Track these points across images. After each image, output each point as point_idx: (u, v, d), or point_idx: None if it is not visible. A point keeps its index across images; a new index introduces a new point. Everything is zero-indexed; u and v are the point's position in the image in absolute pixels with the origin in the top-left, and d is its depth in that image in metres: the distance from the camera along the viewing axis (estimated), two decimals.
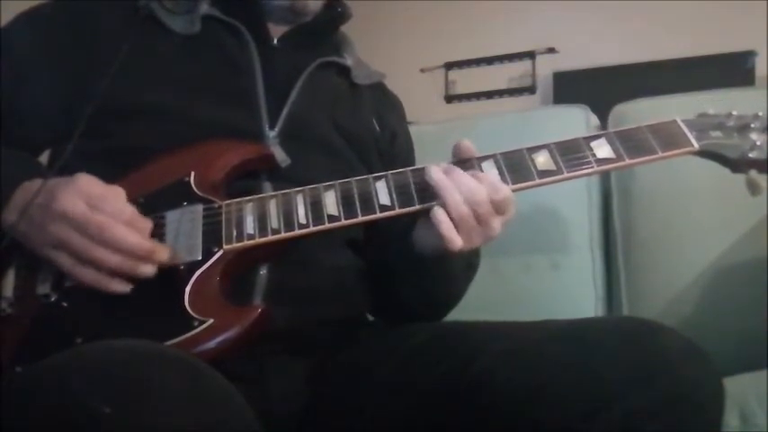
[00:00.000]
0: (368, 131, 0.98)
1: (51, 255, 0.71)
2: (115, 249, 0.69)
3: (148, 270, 0.71)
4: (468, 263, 0.89)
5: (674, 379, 0.61)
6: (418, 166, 0.79)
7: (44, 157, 0.93)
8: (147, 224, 0.73)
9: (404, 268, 0.88)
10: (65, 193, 0.70)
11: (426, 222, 0.77)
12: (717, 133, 0.79)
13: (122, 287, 0.71)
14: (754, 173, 0.77)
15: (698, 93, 1.30)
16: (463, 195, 0.74)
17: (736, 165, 0.78)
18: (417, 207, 0.76)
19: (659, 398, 0.60)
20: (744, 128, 0.78)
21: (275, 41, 0.92)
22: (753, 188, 0.77)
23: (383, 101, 1.05)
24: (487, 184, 0.75)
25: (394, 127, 1.04)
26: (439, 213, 0.74)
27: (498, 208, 0.75)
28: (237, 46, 0.89)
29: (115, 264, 0.70)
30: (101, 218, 0.69)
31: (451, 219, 0.74)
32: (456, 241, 0.74)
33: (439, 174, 0.75)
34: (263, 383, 0.80)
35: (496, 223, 0.75)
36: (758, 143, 0.77)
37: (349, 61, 0.98)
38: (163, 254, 0.72)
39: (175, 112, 0.84)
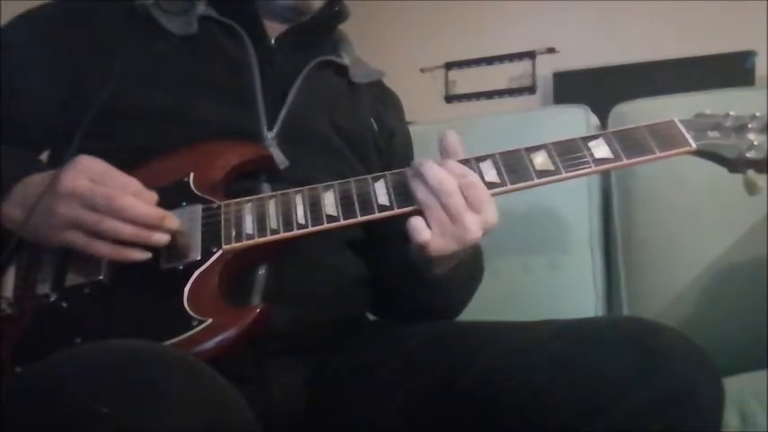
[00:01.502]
0: (366, 131, 0.98)
1: (64, 237, 0.71)
2: (126, 219, 0.69)
3: (162, 238, 0.71)
4: (468, 272, 0.88)
5: (674, 379, 0.61)
6: None
7: (42, 158, 0.93)
8: (153, 195, 0.73)
9: (401, 276, 0.87)
10: (68, 174, 0.70)
11: None
12: (714, 133, 0.79)
13: (141, 255, 0.71)
14: (751, 172, 0.77)
15: (698, 93, 1.30)
16: (430, 187, 0.72)
17: (734, 165, 0.79)
18: (416, 207, 0.76)
19: (659, 398, 0.60)
20: (741, 128, 0.78)
21: (273, 41, 0.92)
22: (750, 188, 0.77)
23: (382, 99, 1.05)
24: (456, 173, 0.73)
25: (392, 126, 1.04)
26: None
27: (471, 201, 0.73)
28: (235, 46, 0.89)
29: (128, 234, 0.70)
30: (106, 189, 0.69)
31: (423, 214, 0.73)
32: (423, 232, 0.72)
33: (408, 171, 0.75)
34: (262, 383, 0.80)
35: (471, 221, 0.72)
36: (756, 143, 0.77)
37: (347, 60, 0.98)
38: (172, 221, 0.72)
39: (174, 112, 0.84)
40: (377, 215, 0.75)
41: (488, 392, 0.68)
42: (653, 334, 0.65)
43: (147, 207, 0.71)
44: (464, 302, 0.93)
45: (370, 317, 0.96)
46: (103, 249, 0.71)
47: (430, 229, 0.72)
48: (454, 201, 0.72)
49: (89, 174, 0.70)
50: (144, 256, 0.71)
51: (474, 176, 0.74)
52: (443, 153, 0.77)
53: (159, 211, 0.71)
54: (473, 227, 0.72)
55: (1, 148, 0.81)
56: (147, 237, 0.70)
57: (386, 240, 0.91)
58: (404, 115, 1.10)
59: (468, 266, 0.86)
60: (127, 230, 0.70)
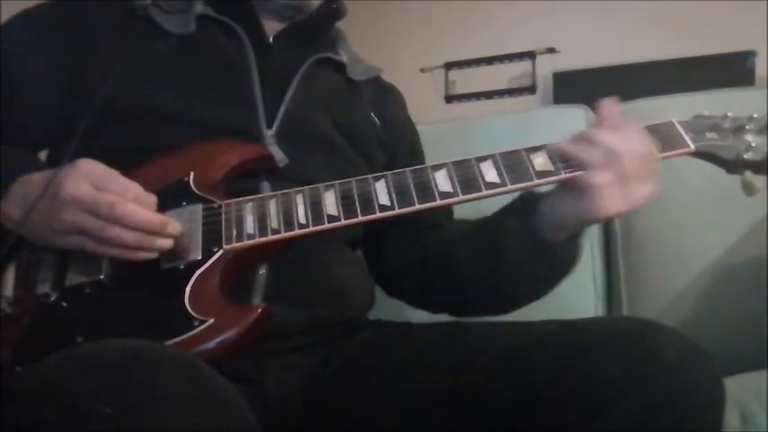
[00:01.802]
0: (367, 127, 0.98)
1: (71, 241, 0.71)
2: (129, 226, 0.70)
3: (165, 244, 0.72)
4: (576, 248, 0.85)
5: (674, 379, 0.61)
6: (417, 166, 0.79)
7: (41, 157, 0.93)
8: (153, 199, 0.73)
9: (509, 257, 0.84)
10: (69, 178, 0.70)
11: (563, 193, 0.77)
12: (712, 134, 0.79)
13: (148, 254, 0.72)
14: (749, 174, 0.78)
15: (698, 93, 1.30)
16: (604, 148, 0.73)
17: (732, 166, 0.79)
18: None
19: (659, 398, 0.60)
20: (739, 129, 0.79)
21: (270, 39, 0.91)
22: (748, 189, 0.78)
23: (381, 94, 1.05)
24: (630, 140, 0.74)
25: (394, 116, 1.04)
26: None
27: (643, 169, 0.73)
28: (233, 45, 0.89)
29: (132, 240, 0.70)
30: (108, 196, 0.70)
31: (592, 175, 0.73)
32: (599, 175, 0.72)
33: (565, 143, 0.76)
34: (262, 383, 0.80)
35: (641, 186, 0.73)
36: (753, 144, 0.78)
37: (344, 57, 0.98)
38: (175, 226, 0.72)
39: (173, 112, 0.84)
40: (378, 215, 0.75)
41: (488, 393, 0.69)
42: (653, 334, 0.65)
43: (149, 214, 0.71)
44: (545, 286, 0.88)
45: (370, 317, 0.96)
46: (111, 252, 0.71)
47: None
48: (627, 163, 0.72)
49: (90, 178, 0.70)
50: (151, 255, 0.72)
51: (647, 146, 0.75)
52: (603, 122, 0.77)
53: (160, 218, 0.72)
54: (642, 192, 0.73)
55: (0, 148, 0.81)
56: (150, 243, 0.71)
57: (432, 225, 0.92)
58: (405, 106, 1.10)
59: (577, 243, 0.84)
60: (130, 237, 0.70)
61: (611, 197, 0.73)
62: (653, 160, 0.75)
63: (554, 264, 0.83)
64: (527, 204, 0.81)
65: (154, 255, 0.72)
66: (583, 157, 0.74)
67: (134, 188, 0.72)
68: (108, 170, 0.72)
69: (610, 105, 0.77)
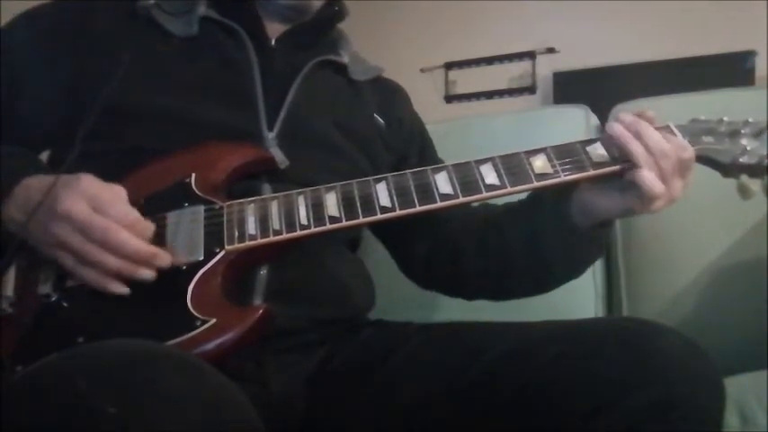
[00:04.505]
0: (370, 127, 0.98)
1: (54, 253, 0.72)
2: (116, 253, 0.69)
3: (147, 274, 0.71)
4: (605, 237, 0.88)
5: (674, 379, 0.61)
6: (419, 168, 0.79)
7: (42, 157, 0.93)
8: (150, 227, 0.73)
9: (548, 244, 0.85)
10: (68, 194, 0.70)
11: (599, 189, 0.78)
12: (709, 138, 0.80)
13: (121, 289, 0.71)
14: (744, 177, 0.78)
15: (697, 93, 1.30)
16: (648, 146, 0.74)
17: (728, 169, 0.79)
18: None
19: (659, 398, 0.60)
20: (735, 133, 0.79)
21: (273, 42, 0.92)
22: (744, 192, 0.78)
23: (384, 93, 1.04)
24: (672, 140, 0.75)
25: (400, 114, 1.04)
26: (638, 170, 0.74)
27: (682, 167, 0.75)
28: (235, 47, 0.89)
29: (115, 267, 0.70)
30: (104, 221, 0.69)
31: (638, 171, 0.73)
32: (657, 184, 0.73)
33: (619, 127, 0.76)
34: (264, 383, 0.80)
35: (678, 185, 0.75)
36: (749, 148, 0.78)
37: (346, 58, 0.98)
38: (164, 259, 0.72)
39: (175, 114, 0.84)
40: (379, 217, 0.76)
41: (488, 393, 0.69)
42: (653, 334, 0.65)
43: (140, 244, 0.70)
44: (574, 270, 0.90)
45: (371, 317, 0.97)
46: (88, 276, 0.71)
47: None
48: (670, 163, 0.74)
49: (89, 198, 0.70)
50: (124, 290, 0.71)
51: (688, 145, 0.76)
52: (644, 117, 0.78)
53: (151, 250, 0.71)
54: (678, 191, 0.75)
55: (1, 149, 0.81)
56: (133, 271, 0.70)
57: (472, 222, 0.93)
58: (410, 103, 1.09)
59: (608, 231, 0.86)
60: (114, 264, 0.70)
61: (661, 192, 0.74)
62: (691, 156, 0.76)
63: (582, 249, 0.85)
64: (562, 191, 0.82)
65: (125, 291, 0.71)
66: (635, 151, 0.74)
67: (131, 215, 0.72)
68: (109, 192, 0.72)
69: (649, 111, 0.79)
